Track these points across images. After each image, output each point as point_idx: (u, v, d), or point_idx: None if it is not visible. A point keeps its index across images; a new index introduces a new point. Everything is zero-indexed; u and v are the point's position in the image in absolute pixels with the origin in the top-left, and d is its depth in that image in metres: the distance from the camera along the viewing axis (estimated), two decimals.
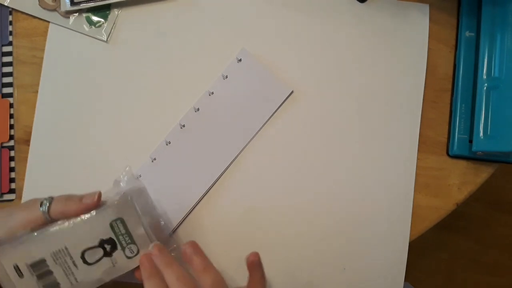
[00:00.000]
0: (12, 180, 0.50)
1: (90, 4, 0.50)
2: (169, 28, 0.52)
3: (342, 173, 0.50)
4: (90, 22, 0.51)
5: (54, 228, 0.38)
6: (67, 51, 0.51)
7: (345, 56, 0.52)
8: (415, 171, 0.51)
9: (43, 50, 0.51)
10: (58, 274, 0.38)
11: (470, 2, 0.51)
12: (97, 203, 0.39)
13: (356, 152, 0.51)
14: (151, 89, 0.51)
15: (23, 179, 0.50)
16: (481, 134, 0.47)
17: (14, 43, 0.51)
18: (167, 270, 0.38)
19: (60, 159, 0.50)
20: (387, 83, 0.51)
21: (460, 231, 1.20)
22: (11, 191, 0.50)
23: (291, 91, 0.51)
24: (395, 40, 0.52)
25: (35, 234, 0.38)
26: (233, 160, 0.50)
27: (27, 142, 0.50)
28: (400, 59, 0.52)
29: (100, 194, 0.39)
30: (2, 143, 0.50)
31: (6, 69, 0.51)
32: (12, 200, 0.50)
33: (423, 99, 0.51)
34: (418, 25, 0.52)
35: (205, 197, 0.50)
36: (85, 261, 0.39)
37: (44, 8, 0.51)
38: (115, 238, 0.39)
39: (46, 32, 0.51)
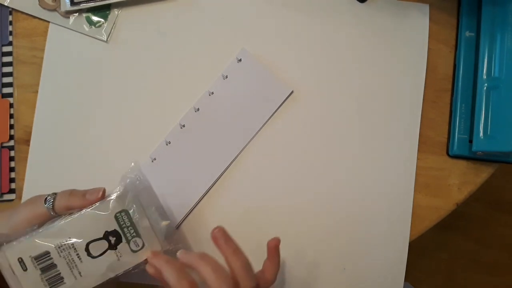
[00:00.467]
0: (12, 180, 0.50)
1: (90, 4, 0.50)
2: (169, 28, 0.52)
3: (342, 173, 0.50)
4: (90, 22, 0.51)
5: (59, 221, 0.38)
6: (67, 51, 0.51)
7: (345, 56, 0.52)
8: (415, 171, 0.51)
9: (43, 50, 0.51)
10: (62, 267, 0.38)
11: (470, 2, 0.51)
12: (101, 199, 0.39)
13: (356, 152, 0.51)
14: (151, 89, 0.51)
15: (23, 179, 0.50)
16: (481, 134, 0.47)
17: (14, 43, 0.51)
18: (201, 262, 0.37)
19: (60, 159, 0.50)
20: (387, 83, 0.51)
21: (460, 231, 1.20)
22: (11, 191, 0.50)
23: (291, 91, 0.51)
24: (395, 40, 0.52)
25: (40, 230, 0.38)
26: (233, 160, 0.50)
27: (27, 142, 0.50)
28: (400, 59, 0.52)
29: (104, 191, 0.40)
30: (2, 143, 0.50)
31: (6, 69, 0.51)
32: (12, 200, 0.50)
33: (423, 99, 0.51)
34: (418, 25, 0.52)
35: (205, 197, 0.50)
36: (89, 254, 0.39)
37: (44, 8, 0.51)
38: (119, 230, 0.39)
39: (46, 32, 0.51)
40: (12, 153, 0.50)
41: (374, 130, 0.51)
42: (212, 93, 0.50)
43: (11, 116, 0.50)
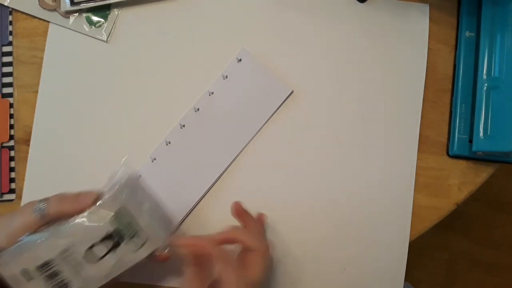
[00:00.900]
0: (12, 180, 0.50)
1: (90, 4, 0.50)
2: (169, 28, 0.52)
3: (342, 173, 0.50)
4: (90, 22, 0.51)
5: (58, 227, 0.38)
6: (67, 51, 0.51)
7: (345, 56, 0.52)
8: (415, 171, 0.51)
9: (43, 50, 0.51)
10: (67, 272, 0.38)
11: (470, 2, 0.51)
12: (94, 203, 0.39)
13: (356, 151, 0.51)
14: (151, 89, 0.51)
15: (23, 179, 0.50)
16: (481, 134, 0.47)
17: (14, 43, 0.51)
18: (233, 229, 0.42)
19: (60, 159, 0.50)
20: (387, 83, 0.51)
21: (460, 231, 1.20)
22: (11, 191, 0.50)
23: (291, 91, 0.51)
24: (395, 40, 0.52)
25: (39, 236, 0.38)
26: (233, 160, 0.50)
27: (27, 142, 0.50)
28: (400, 59, 0.52)
29: (97, 194, 0.39)
30: (2, 143, 0.50)
31: (6, 69, 0.51)
32: (12, 200, 0.50)
33: (423, 99, 0.51)
34: (418, 25, 0.52)
35: (205, 197, 0.50)
36: (93, 257, 0.38)
37: (44, 8, 0.51)
38: (120, 229, 0.39)
39: (46, 32, 0.51)
40: (12, 153, 0.50)
41: (374, 130, 0.51)
42: (212, 93, 0.50)
43: (11, 116, 0.50)
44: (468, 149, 0.50)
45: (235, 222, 0.48)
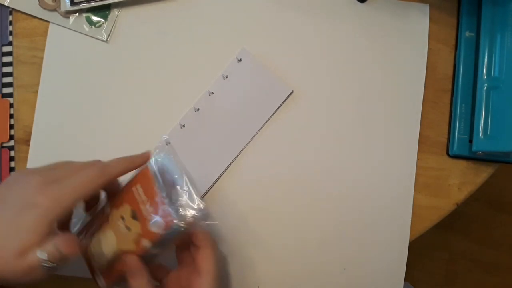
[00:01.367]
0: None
1: (90, 4, 0.50)
2: (169, 28, 0.52)
3: (342, 173, 0.50)
4: (90, 22, 0.51)
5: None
6: (67, 51, 0.51)
7: (345, 56, 0.52)
8: (415, 171, 0.51)
9: (43, 50, 0.51)
10: None
11: (470, 2, 0.51)
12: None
13: (356, 152, 0.51)
14: (151, 89, 0.51)
15: None
16: (481, 134, 0.47)
17: (14, 43, 0.51)
18: None
19: (60, 159, 0.50)
20: (387, 83, 0.51)
21: (460, 231, 1.20)
22: None
23: (291, 91, 0.51)
24: (395, 40, 0.52)
25: None
26: (233, 160, 0.50)
27: (27, 142, 0.50)
28: (400, 59, 0.52)
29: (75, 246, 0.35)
30: (2, 143, 0.50)
31: (6, 69, 0.51)
32: None
33: (423, 99, 0.51)
34: (418, 25, 0.52)
35: (205, 197, 0.50)
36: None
37: (44, 8, 0.51)
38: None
39: (46, 32, 0.51)
40: (12, 153, 0.50)
41: (374, 130, 0.51)
42: (212, 93, 0.50)
43: (11, 116, 0.50)
44: (468, 149, 0.50)
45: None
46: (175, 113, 0.50)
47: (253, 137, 0.50)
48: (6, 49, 0.51)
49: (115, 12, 0.51)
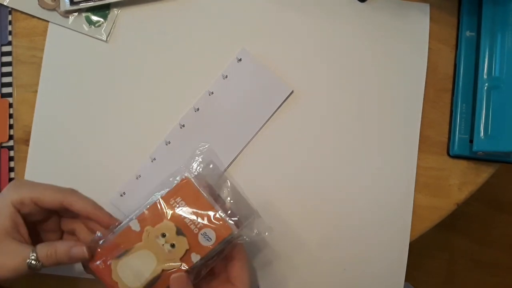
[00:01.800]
0: (11, 180, 0.50)
1: (89, 3, 0.50)
2: (169, 28, 0.51)
3: (342, 173, 0.50)
4: (90, 22, 0.51)
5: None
6: (67, 51, 0.51)
7: (345, 56, 0.52)
8: (415, 171, 0.50)
9: (42, 50, 0.51)
10: None
11: (470, 2, 0.51)
12: (89, 256, 0.37)
13: (356, 152, 0.51)
14: (150, 89, 0.51)
15: None
16: (482, 134, 0.47)
17: (13, 42, 0.51)
18: None
19: (60, 159, 0.50)
20: (387, 83, 0.51)
21: (460, 231, 1.20)
22: None
23: (291, 91, 0.51)
24: (395, 40, 0.52)
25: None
26: (233, 160, 0.50)
27: (26, 142, 0.50)
28: (400, 59, 0.52)
29: (87, 249, 0.37)
30: (1, 143, 0.50)
31: (5, 69, 0.51)
32: None
33: (424, 99, 0.51)
34: (418, 25, 0.52)
35: None
36: None
37: (44, 8, 0.51)
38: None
39: (45, 31, 0.51)
40: (12, 153, 0.50)
41: (374, 130, 0.51)
42: (212, 93, 0.50)
43: (11, 116, 0.50)
44: (468, 149, 0.50)
45: None
46: (175, 113, 0.50)
47: (253, 137, 0.50)
48: (5, 48, 0.51)
49: (114, 11, 0.51)
